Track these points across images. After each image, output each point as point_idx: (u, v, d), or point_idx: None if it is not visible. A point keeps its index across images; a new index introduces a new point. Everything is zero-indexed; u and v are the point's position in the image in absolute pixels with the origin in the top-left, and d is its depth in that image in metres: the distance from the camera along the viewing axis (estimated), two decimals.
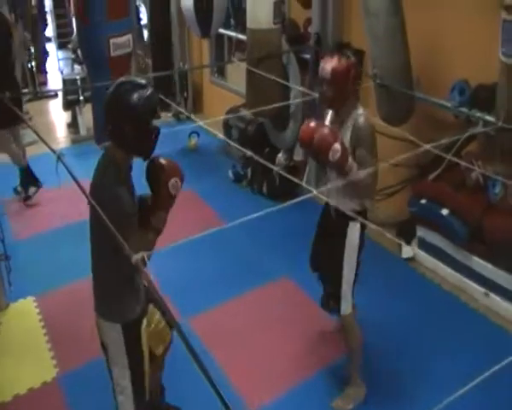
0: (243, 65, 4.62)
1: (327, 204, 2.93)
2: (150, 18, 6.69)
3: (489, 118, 3.32)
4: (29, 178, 5.36)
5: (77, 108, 6.78)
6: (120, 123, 2.01)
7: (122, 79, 2.11)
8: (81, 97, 6.66)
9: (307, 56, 4.96)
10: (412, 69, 3.81)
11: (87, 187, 2.09)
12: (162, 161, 2.24)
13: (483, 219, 3.66)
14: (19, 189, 5.41)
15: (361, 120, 2.63)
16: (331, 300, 3.05)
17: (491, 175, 3.46)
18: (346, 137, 2.62)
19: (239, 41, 6.24)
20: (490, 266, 3.69)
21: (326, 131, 2.47)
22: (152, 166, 2.25)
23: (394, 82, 3.70)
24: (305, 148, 2.73)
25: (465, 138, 3.41)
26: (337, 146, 2.44)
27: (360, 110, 2.67)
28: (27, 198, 5.36)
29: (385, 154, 3.90)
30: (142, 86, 2.04)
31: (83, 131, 6.82)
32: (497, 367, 1.27)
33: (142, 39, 7.51)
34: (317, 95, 4.14)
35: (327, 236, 2.97)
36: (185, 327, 3.36)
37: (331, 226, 2.90)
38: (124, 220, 1.97)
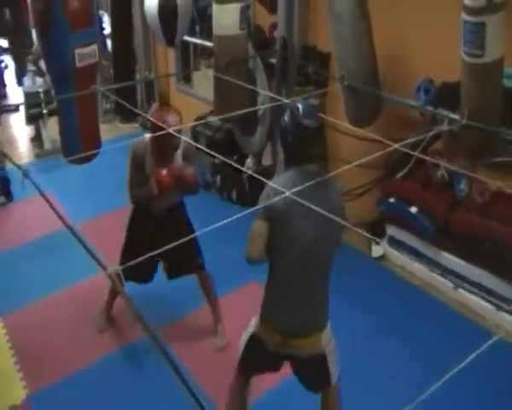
0: (210, 72, 4.61)
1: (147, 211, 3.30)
2: (112, 27, 6.61)
3: (453, 116, 3.39)
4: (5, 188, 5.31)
5: (40, 122, 6.64)
6: None
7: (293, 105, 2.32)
8: (44, 111, 6.52)
9: (273, 61, 4.99)
10: (379, 69, 3.87)
11: (53, 202, 2.04)
12: None
13: (450, 215, 3.74)
14: None
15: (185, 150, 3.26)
16: (192, 260, 3.44)
17: (456, 172, 3.54)
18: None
19: (205, 48, 6.23)
20: (458, 260, 3.78)
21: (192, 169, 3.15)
22: None
23: (362, 83, 3.74)
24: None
25: (431, 137, 3.48)
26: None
27: None
28: None
29: (353, 154, 3.96)
30: None
31: (47, 145, 6.67)
32: (471, 357, 1.28)
33: (105, 49, 7.42)
34: (285, 99, 4.19)
35: (166, 230, 3.23)
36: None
37: (167, 220, 3.32)
38: None
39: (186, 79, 7.04)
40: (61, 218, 1.63)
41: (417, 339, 3.46)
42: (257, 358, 2.48)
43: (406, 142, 2.94)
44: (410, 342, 3.45)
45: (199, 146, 4.94)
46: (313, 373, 2.46)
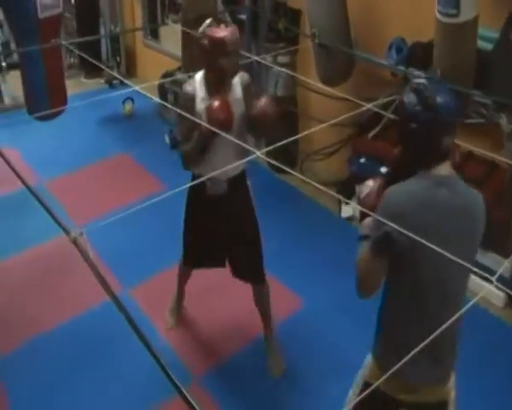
0: (177, 27, 4.47)
1: (203, 189, 2.66)
2: None
3: (426, 76, 3.36)
4: None
5: None
6: None
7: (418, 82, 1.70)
8: (3, 63, 6.23)
9: (243, 17, 4.86)
10: (350, 28, 3.79)
11: (13, 158, 1.94)
12: None
13: None
14: None
15: (245, 77, 2.62)
16: (253, 269, 2.91)
17: None
18: (240, 99, 2.58)
19: (172, 2, 6.02)
20: None
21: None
22: None
23: (333, 41, 3.67)
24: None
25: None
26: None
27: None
28: None
29: (324, 113, 3.92)
30: None
31: (7, 100, 6.40)
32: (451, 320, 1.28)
33: (69, 0, 7.10)
34: (255, 57, 4.09)
35: (226, 213, 2.75)
36: (126, 298, 3.31)
37: (227, 200, 2.71)
38: None
39: (153, 33, 6.82)
40: (19, 177, 1.55)
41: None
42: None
43: (378, 102, 2.91)
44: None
45: (167, 104, 4.85)
46: None
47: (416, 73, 2.57)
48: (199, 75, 2.60)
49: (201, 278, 3.70)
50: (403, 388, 1.81)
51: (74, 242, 1.26)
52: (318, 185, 2.10)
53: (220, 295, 3.59)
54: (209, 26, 2.46)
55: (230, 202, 2.71)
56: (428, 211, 1.64)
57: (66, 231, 1.29)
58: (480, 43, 3.13)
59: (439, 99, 1.60)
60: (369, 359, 1.94)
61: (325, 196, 4.09)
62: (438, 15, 2.92)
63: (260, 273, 2.90)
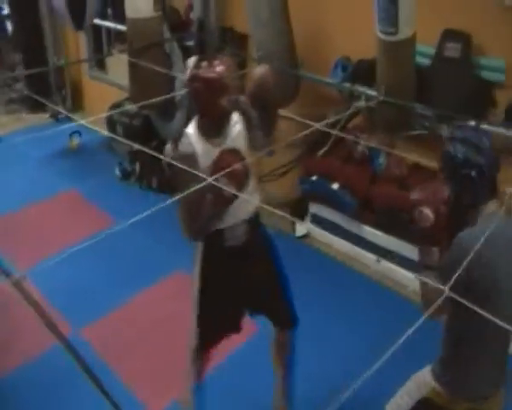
0: (124, 57, 4.43)
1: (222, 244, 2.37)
2: (15, 10, 6.19)
3: (370, 92, 3.44)
4: None
5: None
6: None
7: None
8: None
9: (190, 43, 4.87)
10: (296, 49, 3.85)
11: None
12: None
13: (370, 189, 3.81)
14: None
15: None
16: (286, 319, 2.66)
17: (375, 147, 3.61)
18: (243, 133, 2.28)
19: (118, 32, 5.97)
20: (380, 233, 3.87)
21: None
22: None
23: (279, 63, 3.72)
24: None
25: (350, 113, 3.52)
26: None
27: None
28: None
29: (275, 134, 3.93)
30: None
31: None
32: (405, 336, 1.25)
33: (5, 33, 6.89)
34: None
35: (247, 266, 2.44)
36: (77, 339, 3.15)
37: (246, 249, 2.42)
38: None
39: (99, 64, 6.74)
40: None
41: (346, 312, 3.54)
42: None
43: (327, 121, 2.94)
44: (339, 315, 3.53)
45: (116, 137, 4.78)
46: None
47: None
48: (191, 128, 2.23)
49: (157, 310, 3.62)
50: (465, 406, 1.89)
51: (16, 285, 1.20)
52: (270, 208, 2.00)
53: (176, 325, 3.49)
54: (198, 65, 2.11)
55: (249, 251, 2.42)
56: (499, 248, 1.73)
57: (8, 275, 1.22)
58: (419, 59, 3.24)
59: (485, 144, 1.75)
60: (426, 377, 1.97)
61: (277, 217, 4.09)
62: (378, 34, 3.00)
63: (293, 316, 2.65)
